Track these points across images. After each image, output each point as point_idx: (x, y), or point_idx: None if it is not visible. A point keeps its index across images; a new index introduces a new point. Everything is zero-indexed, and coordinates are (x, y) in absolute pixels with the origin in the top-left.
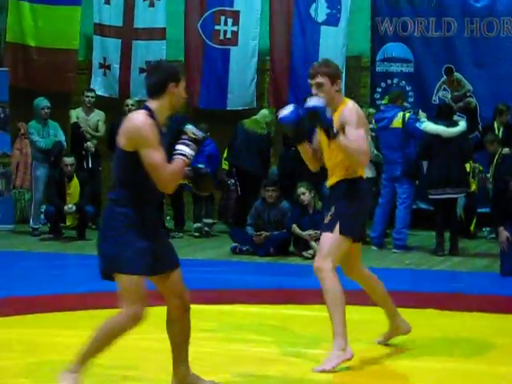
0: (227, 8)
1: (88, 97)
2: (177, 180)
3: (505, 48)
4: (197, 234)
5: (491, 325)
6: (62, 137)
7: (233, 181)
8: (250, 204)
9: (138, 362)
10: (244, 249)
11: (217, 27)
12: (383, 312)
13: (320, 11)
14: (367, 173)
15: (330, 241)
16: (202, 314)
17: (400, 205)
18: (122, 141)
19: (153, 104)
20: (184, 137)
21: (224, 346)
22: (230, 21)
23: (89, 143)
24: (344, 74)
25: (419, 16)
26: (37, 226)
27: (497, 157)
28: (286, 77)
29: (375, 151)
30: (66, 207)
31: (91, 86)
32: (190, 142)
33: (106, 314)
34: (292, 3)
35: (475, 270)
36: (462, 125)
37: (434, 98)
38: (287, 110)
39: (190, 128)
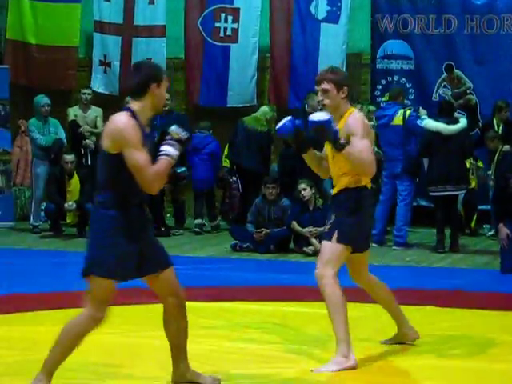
0: (227, 5)
1: (85, 94)
2: (161, 180)
3: (505, 45)
4: (197, 229)
5: (491, 322)
6: (62, 134)
7: (235, 178)
8: (250, 201)
9: (134, 359)
10: (244, 246)
11: (217, 24)
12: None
13: (320, 8)
14: None
15: (329, 249)
16: (202, 311)
17: (400, 202)
18: (105, 143)
19: (135, 105)
20: (168, 137)
21: (224, 343)
22: (230, 18)
23: (88, 140)
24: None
25: (419, 13)
26: (37, 224)
27: (497, 154)
28: (286, 74)
29: (375, 148)
30: (66, 204)
31: (91, 84)
32: (174, 143)
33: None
34: (292, 0)
35: (475, 267)
36: (463, 122)
37: (434, 95)
38: (283, 122)
39: (174, 129)
